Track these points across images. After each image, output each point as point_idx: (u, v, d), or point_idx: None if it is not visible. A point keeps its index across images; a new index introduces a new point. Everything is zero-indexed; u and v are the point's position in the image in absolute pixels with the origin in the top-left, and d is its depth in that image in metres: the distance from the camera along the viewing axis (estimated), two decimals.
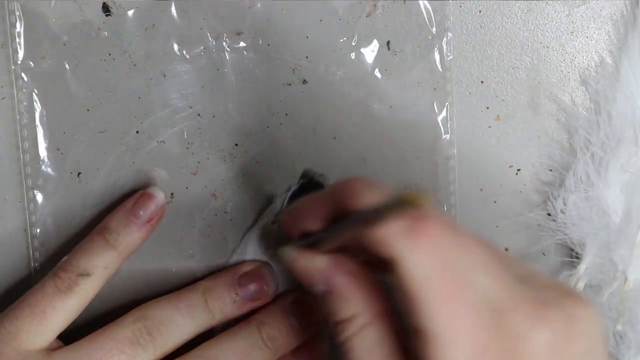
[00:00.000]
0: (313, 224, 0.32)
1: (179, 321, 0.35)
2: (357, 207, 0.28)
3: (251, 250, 0.39)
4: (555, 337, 0.27)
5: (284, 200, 0.39)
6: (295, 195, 0.39)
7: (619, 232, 0.40)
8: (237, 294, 0.37)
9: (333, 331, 0.30)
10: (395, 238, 0.26)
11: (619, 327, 0.40)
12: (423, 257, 0.26)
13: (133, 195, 0.37)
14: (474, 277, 0.27)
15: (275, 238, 0.39)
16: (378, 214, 0.26)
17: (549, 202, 0.41)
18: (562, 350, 0.27)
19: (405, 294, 0.26)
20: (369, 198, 0.28)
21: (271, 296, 0.38)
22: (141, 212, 0.36)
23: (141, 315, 0.35)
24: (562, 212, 0.40)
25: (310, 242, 0.31)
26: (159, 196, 0.37)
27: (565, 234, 0.40)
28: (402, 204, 0.25)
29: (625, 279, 0.40)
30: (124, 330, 0.35)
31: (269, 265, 0.39)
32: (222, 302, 0.36)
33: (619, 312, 0.40)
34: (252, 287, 0.37)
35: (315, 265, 0.30)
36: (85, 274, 0.35)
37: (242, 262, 0.39)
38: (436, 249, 0.26)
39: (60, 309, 0.35)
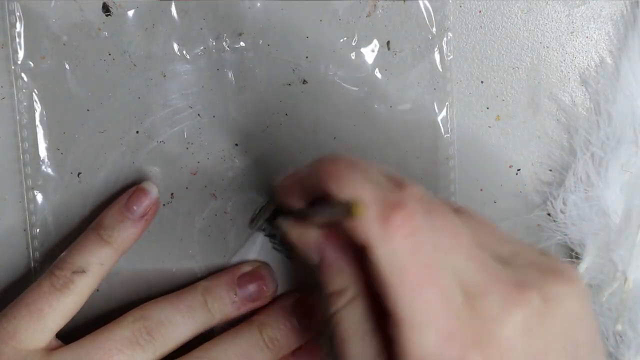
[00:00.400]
0: (297, 202, 0.32)
1: (179, 321, 0.35)
2: (334, 191, 0.28)
3: (254, 251, 0.39)
4: (531, 319, 0.27)
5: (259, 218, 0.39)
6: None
7: (619, 232, 0.40)
8: (236, 295, 0.37)
9: (326, 303, 0.30)
10: (367, 225, 0.26)
11: (619, 327, 0.40)
12: (394, 244, 0.26)
13: (127, 191, 0.37)
14: (449, 260, 0.27)
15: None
16: (350, 202, 0.26)
17: (548, 202, 0.41)
18: (537, 332, 0.27)
19: (378, 278, 0.27)
20: (345, 183, 0.28)
21: (270, 297, 0.38)
22: (135, 207, 0.36)
23: (141, 315, 0.35)
24: (562, 212, 0.40)
25: (302, 215, 0.31)
26: (153, 191, 0.37)
27: (565, 234, 0.40)
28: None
29: (625, 279, 0.40)
30: (124, 330, 0.35)
31: (268, 266, 0.39)
32: (222, 303, 0.36)
33: (618, 312, 0.40)
34: (252, 288, 0.37)
35: (308, 238, 0.30)
36: (80, 271, 0.35)
37: (241, 263, 0.39)
38: (408, 236, 0.26)
39: (57, 307, 0.35)
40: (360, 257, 0.30)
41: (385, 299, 0.27)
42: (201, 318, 0.36)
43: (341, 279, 0.30)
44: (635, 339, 0.41)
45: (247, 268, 0.38)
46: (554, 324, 0.27)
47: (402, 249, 0.26)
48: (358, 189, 0.27)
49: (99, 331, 0.35)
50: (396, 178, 0.28)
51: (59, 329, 0.35)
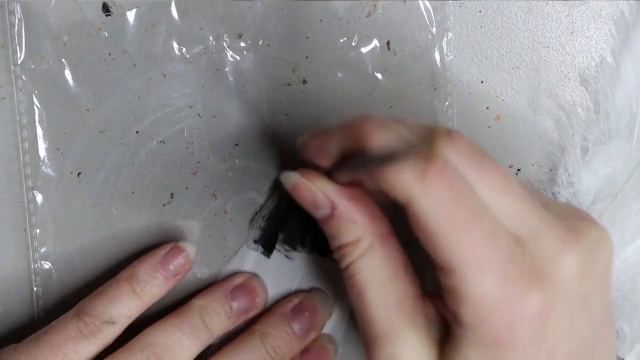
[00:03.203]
0: (324, 161, 0.32)
1: (185, 343, 0.35)
2: (369, 148, 0.29)
3: (249, 262, 0.39)
4: (583, 261, 0.28)
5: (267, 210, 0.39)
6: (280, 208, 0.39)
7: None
8: (231, 309, 0.37)
9: (337, 255, 0.31)
10: (407, 182, 0.27)
11: None
12: (435, 197, 0.27)
13: (163, 245, 0.37)
14: (495, 203, 0.28)
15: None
16: (390, 157, 0.27)
17: None
18: (588, 273, 0.29)
19: (422, 232, 0.27)
20: (382, 139, 0.29)
21: (262, 306, 0.38)
22: (171, 267, 0.36)
23: (147, 342, 0.35)
24: None
25: (347, 168, 0.31)
26: (190, 251, 0.37)
27: None
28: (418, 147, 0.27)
29: None
30: None
31: (257, 277, 0.39)
32: (219, 319, 0.36)
33: None
34: (245, 301, 0.37)
35: (321, 189, 0.31)
36: (110, 322, 0.35)
37: (232, 276, 0.39)
38: (446, 186, 0.27)
39: (82, 353, 0.34)
40: (374, 202, 0.31)
41: (434, 251, 0.27)
42: (203, 337, 0.36)
43: (355, 229, 0.30)
44: (630, 334, 0.41)
45: (238, 281, 0.38)
46: (600, 266, 0.29)
47: (441, 199, 0.27)
48: (391, 144, 0.28)
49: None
50: (443, 133, 0.29)
51: None
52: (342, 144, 0.31)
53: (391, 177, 0.27)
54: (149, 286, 0.36)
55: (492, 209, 0.28)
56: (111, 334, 0.35)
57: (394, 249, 0.31)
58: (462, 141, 0.29)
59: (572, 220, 0.30)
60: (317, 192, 0.31)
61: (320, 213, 0.32)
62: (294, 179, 0.32)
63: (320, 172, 0.32)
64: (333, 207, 0.31)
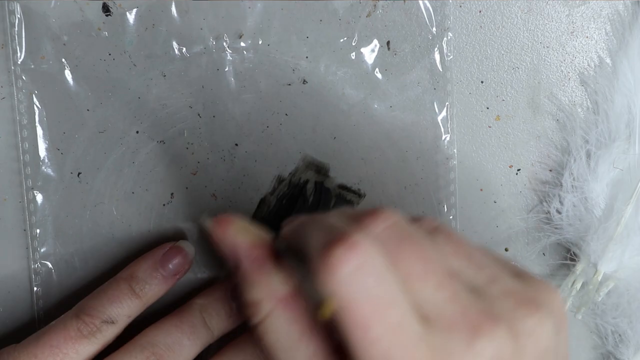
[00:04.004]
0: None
1: (185, 343, 0.35)
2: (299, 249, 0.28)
3: None
4: (501, 353, 0.26)
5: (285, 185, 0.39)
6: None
7: (598, 224, 0.40)
8: (232, 309, 0.37)
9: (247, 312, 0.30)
10: (314, 263, 0.26)
11: (579, 316, 0.41)
12: (337, 280, 0.25)
13: (162, 245, 0.37)
14: (409, 290, 0.26)
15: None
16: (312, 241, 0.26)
17: (545, 202, 0.41)
18: None
19: (335, 320, 0.26)
20: (300, 236, 0.28)
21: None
22: (170, 266, 0.36)
23: (147, 342, 0.35)
24: (558, 212, 0.40)
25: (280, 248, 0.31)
26: (189, 250, 0.37)
27: (564, 234, 0.40)
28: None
29: (596, 270, 0.40)
30: (134, 359, 0.35)
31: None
32: (219, 319, 0.36)
33: (582, 302, 0.40)
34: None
35: (231, 242, 0.30)
36: (110, 322, 0.35)
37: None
38: (353, 271, 0.25)
39: (82, 353, 0.34)
40: (283, 263, 0.29)
41: (338, 332, 0.26)
42: (204, 337, 0.36)
43: (257, 292, 0.29)
44: (634, 337, 0.41)
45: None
46: (525, 358, 0.27)
47: (345, 284, 0.25)
48: (309, 238, 0.27)
49: None
50: (367, 213, 0.27)
51: None
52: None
53: (312, 259, 0.26)
54: (148, 286, 0.36)
55: (407, 295, 0.26)
56: (111, 333, 0.35)
57: (298, 311, 0.29)
58: (384, 223, 0.27)
59: (508, 304, 0.27)
60: (224, 245, 0.30)
61: (229, 263, 0.31)
62: (207, 226, 0.31)
63: (240, 220, 0.31)
64: (238, 265, 0.30)
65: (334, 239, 0.25)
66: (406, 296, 0.26)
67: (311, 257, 0.26)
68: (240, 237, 0.30)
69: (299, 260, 0.28)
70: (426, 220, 0.29)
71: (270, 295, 0.29)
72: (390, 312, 0.25)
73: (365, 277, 0.25)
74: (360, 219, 0.27)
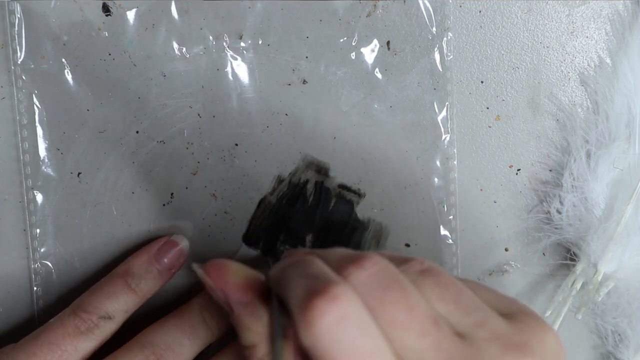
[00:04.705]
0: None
1: (185, 343, 0.35)
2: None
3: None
4: None
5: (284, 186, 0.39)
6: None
7: (598, 224, 0.40)
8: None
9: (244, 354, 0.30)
10: (294, 315, 0.25)
11: (579, 316, 0.41)
12: (316, 333, 0.25)
13: (157, 240, 0.37)
14: (392, 339, 0.25)
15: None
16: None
17: (545, 202, 0.41)
18: None
19: None
20: (280, 284, 0.28)
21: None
22: (165, 260, 0.37)
23: (147, 341, 0.35)
24: (558, 212, 0.40)
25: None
26: (183, 244, 0.37)
27: (564, 234, 0.40)
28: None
29: (596, 270, 0.40)
30: (134, 359, 0.34)
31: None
32: (220, 318, 0.36)
33: (582, 302, 0.40)
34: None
35: (223, 288, 0.30)
36: (106, 317, 0.35)
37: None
38: (333, 323, 0.25)
39: (80, 349, 0.35)
40: (271, 314, 0.29)
41: None
42: (204, 336, 0.36)
43: (251, 336, 0.29)
44: (634, 337, 0.41)
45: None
46: None
47: (326, 336, 0.25)
48: (291, 287, 0.26)
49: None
50: (352, 259, 0.27)
51: None
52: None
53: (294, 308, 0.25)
54: (144, 281, 0.36)
55: (390, 344, 0.25)
56: (108, 329, 0.35)
57: (295, 352, 0.28)
58: (368, 270, 0.26)
59: (495, 351, 0.26)
60: (216, 292, 0.30)
61: (224, 306, 0.30)
62: (198, 272, 0.31)
63: (229, 263, 0.31)
64: (231, 309, 0.30)
65: (315, 290, 0.25)
66: (389, 345, 0.25)
67: (293, 307, 0.26)
68: (231, 281, 0.30)
69: (284, 306, 0.28)
70: (414, 262, 0.29)
71: (265, 339, 0.28)
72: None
73: (346, 329, 0.25)
74: (345, 266, 0.26)
